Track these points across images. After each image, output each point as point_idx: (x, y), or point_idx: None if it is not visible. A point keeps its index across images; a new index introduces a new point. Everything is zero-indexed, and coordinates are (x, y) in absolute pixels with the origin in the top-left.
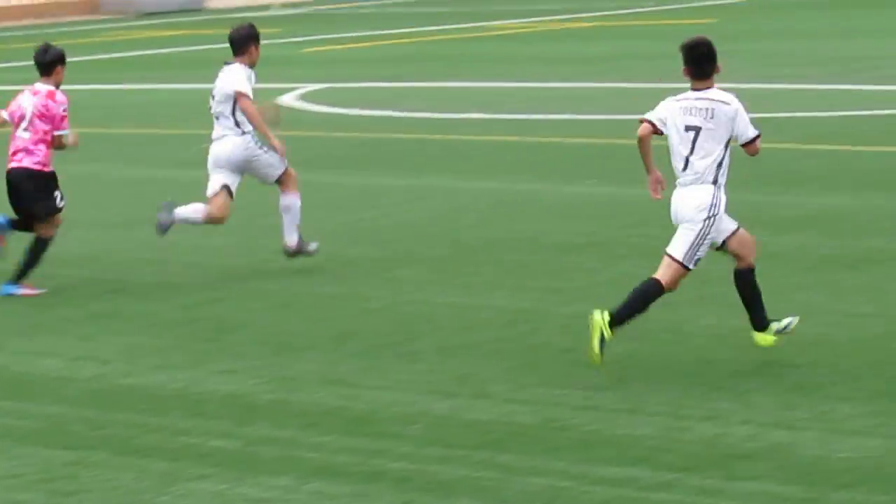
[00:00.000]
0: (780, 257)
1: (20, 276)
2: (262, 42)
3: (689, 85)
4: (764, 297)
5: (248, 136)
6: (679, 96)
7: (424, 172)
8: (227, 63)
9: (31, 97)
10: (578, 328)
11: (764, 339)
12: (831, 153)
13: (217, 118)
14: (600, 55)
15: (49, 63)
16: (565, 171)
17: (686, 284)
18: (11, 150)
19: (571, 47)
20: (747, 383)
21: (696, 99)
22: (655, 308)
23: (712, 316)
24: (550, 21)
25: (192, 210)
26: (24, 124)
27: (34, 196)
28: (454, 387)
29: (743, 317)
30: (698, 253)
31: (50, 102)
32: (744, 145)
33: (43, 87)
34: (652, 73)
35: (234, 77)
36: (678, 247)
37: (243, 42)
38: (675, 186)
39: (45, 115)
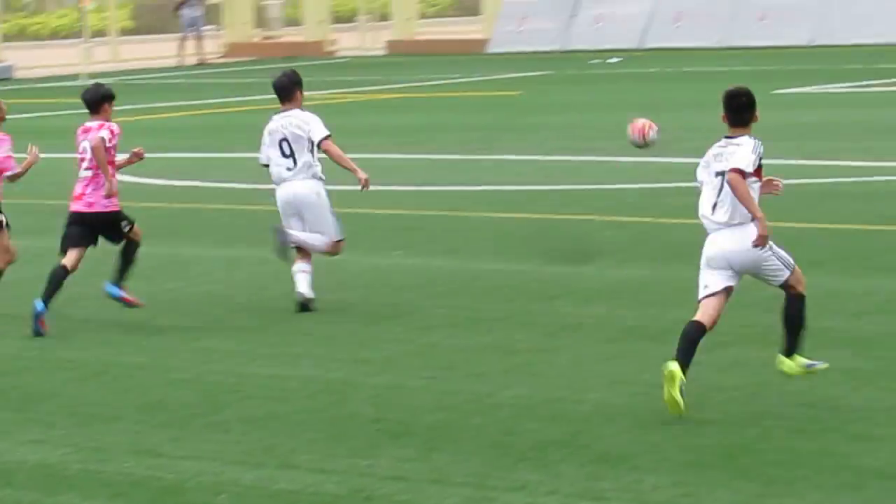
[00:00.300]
0: (585, 328)
1: (121, 278)
2: (69, 111)
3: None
4: (568, 369)
5: (322, 184)
6: (716, 144)
7: (232, 243)
8: (277, 113)
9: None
10: (387, 398)
11: (789, 366)
12: (635, 225)
13: (293, 166)
14: (408, 126)
15: (98, 101)
16: (373, 242)
17: (493, 356)
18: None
19: (378, 119)
20: (554, 454)
21: (724, 146)
22: (461, 379)
23: (520, 387)
24: (357, 93)
25: (316, 237)
26: (85, 163)
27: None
28: (262, 457)
29: (549, 388)
30: (787, 256)
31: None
32: (725, 172)
33: (93, 124)
34: (460, 145)
35: (311, 123)
36: (777, 277)
37: (290, 88)
38: (707, 232)
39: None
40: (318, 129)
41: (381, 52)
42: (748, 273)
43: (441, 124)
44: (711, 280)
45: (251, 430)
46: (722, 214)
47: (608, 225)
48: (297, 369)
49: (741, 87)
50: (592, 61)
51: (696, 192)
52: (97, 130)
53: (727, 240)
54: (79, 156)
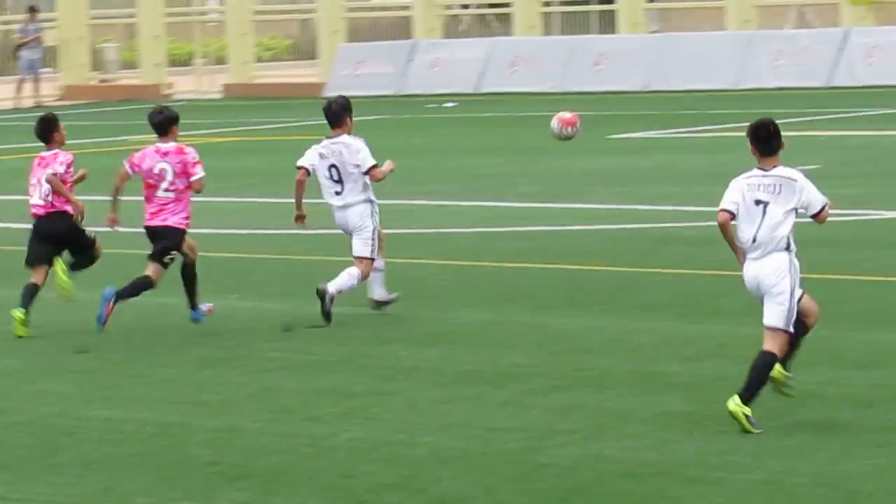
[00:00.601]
0: (421, 372)
1: (193, 301)
2: None
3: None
4: (404, 412)
5: (372, 204)
6: (746, 174)
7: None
8: (327, 137)
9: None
10: (223, 441)
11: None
12: (470, 268)
13: (340, 190)
14: (244, 170)
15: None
16: (208, 285)
17: (330, 399)
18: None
19: (214, 162)
20: (390, 497)
21: (764, 176)
22: (298, 422)
23: (356, 430)
24: (193, 136)
25: (346, 277)
26: (164, 184)
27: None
28: (98, 500)
29: (386, 431)
30: (794, 316)
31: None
32: (812, 216)
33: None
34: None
35: (361, 152)
36: (774, 317)
37: (338, 115)
38: (745, 261)
39: (182, 173)
40: (366, 159)
41: (218, 96)
42: (761, 296)
43: (278, 168)
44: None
45: (88, 473)
46: (760, 244)
47: (443, 269)
48: (133, 412)
49: (764, 118)
50: (429, 105)
51: (722, 222)
52: (176, 154)
53: (760, 267)
54: (154, 176)
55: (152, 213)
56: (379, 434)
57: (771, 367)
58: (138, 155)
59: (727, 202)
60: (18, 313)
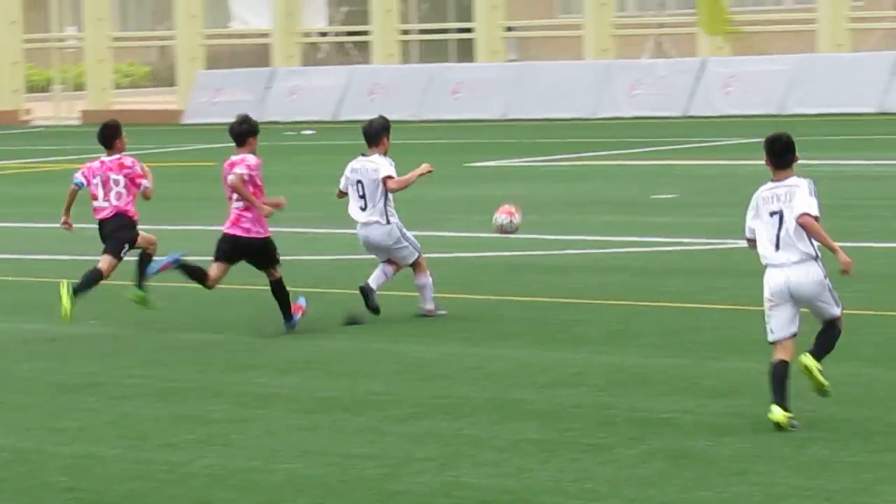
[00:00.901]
0: (279, 399)
1: (286, 312)
2: None
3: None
4: (261, 439)
5: (394, 226)
6: (762, 188)
7: None
8: (363, 154)
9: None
10: (80, 468)
11: (811, 363)
12: (330, 295)
13: (364, 207)
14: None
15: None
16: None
17: (187, 426)
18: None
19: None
20: None
21: (776, 187)
22: (155, 448)
23: (213, 456)
24: (52, 162)
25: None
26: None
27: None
28: None
29: (242, 458)
30: (837, 301)
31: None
32: (796, 218)
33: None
34: (154, 215)
35: (380, 165)
36: (826, 315)
37: (377, 134)
38: (765, 268)
39: (249, 180)
40: (383, 167)
41: (77, 122)
42: (804, 306)
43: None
44: (776, 324)
45: None
46: (784, 253)
47: (302, 296)
48: None
49: (780, 132)
50: (287, 133)
51: (750, 247)
52: (239, 165)
53: (791, 273)
54: (228, 189)
55: (231, 222)
56: (236, 461)
57: (838, 338)
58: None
59: (747, 229)
60: (137, 293)
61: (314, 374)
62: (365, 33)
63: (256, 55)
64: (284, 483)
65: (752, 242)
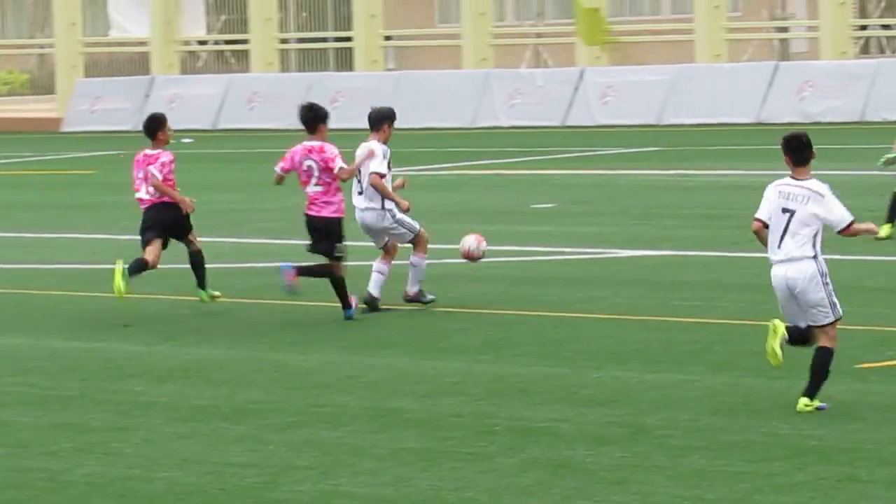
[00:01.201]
0: (158, 407)
1: (345, 302)
2: None
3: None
4: (140, 448)
5: (387, 212)
6: (780, 182)
7: None
8: (366, 142)
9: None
10: None
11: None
12: (213, 304)
13: (361, 192)
14: None
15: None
16: None
17: (67, 434)
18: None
19: None
20: None
21: (796, 186)
22: (34, 457)
23: (93, 465)
24: None
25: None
26: (313, 180)
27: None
28: None
29: (122, 466)
30: (836, 300)
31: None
32: (839, 232)
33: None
34: (33, 223)
35: (374, 159)
36: (819, 319)
37: (379, 121)
38: (771, 263)
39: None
40: (375, 163)
41: None
42: (801, 304)
43: (14, 202)
44: (789, 316)
45: None
46: (784, 250)
47: (179, 304)
48: None
49: (797, 130)
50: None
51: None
52: (319, 153)
53: (788, 269)
54: (304, 173)
55: (309, 206)
56: (115, 469)
57: (830, 361)
58: (288, 154)
59: (761, 211)
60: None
61: (193, 382)
62: (244, 42)
63: (136, 63)
64: (164, 492)
65: (761, 225)
